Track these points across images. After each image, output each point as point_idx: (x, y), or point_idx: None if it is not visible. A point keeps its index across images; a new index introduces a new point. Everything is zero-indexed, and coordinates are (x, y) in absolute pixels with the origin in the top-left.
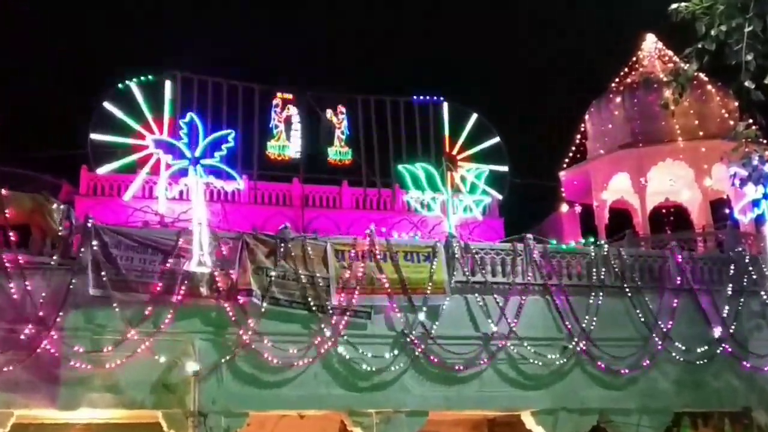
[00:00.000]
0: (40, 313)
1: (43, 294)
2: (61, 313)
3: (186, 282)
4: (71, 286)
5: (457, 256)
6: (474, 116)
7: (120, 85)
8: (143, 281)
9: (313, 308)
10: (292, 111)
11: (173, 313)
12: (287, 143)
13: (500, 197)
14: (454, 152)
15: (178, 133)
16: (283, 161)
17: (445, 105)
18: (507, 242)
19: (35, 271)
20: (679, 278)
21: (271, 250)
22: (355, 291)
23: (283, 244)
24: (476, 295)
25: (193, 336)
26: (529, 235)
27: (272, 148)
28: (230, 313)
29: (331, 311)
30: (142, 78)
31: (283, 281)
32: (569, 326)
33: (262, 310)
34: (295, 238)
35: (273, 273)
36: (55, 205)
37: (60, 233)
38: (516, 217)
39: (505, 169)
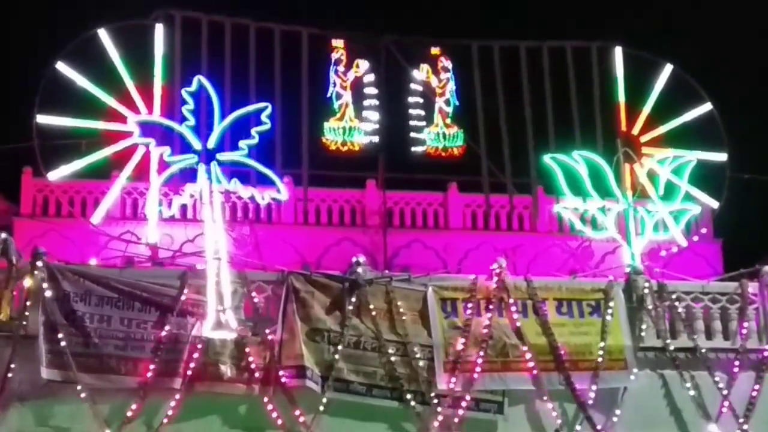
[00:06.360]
0: None
1: None
2: None
3: (197, 356)
4: (11, 366)
5: (646, 305)
6: (668, 68)
7: (82, 36)
8: (128, 356)
9: (408, 397)
10: (365, 69)
11: (176, 408)
12: (356, 123)
13: (716, 205)
14: (636, 131)
15: (179, 111)
16: (351, 153)
17: (618, 50)
18: (730, 281)
19: None
20: None
21: (334, 300)
22: (476, 367)
23: (354, 291)
24: (680, 370)
25: None
26: None
27: (332, 133)
28: (269, 408)
29: (437, 401)
30: (118, 23)
31: (357, 352)
32: None
33: (323, 400)
34: (375, 279)
35: (339, 338)
36: None
37: None
38: (741, 239)
39: (721, 157)
